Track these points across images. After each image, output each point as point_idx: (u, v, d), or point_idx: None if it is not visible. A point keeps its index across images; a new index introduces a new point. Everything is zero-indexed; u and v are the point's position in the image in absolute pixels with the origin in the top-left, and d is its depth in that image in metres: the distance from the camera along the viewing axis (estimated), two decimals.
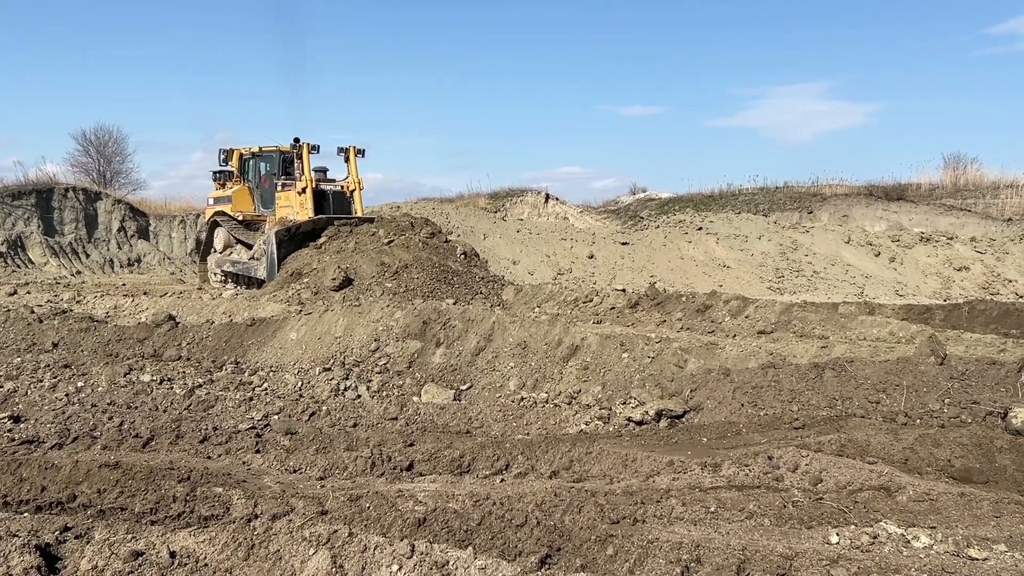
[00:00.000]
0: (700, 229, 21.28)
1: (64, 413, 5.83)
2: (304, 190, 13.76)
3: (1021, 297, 16.81)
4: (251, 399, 6.59)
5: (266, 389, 6.97)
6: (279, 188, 14.50)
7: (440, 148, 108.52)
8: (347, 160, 14.65)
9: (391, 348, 7.79)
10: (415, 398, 6.94)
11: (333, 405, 6.58)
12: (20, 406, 6.05)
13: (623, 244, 20.00)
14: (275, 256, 12.83)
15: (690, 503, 3.89)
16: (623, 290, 11.06)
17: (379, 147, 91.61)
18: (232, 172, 15.84)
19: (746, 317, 8.65)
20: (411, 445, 5.29)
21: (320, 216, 13.62)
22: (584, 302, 10.42)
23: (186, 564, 3.05)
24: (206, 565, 3.04)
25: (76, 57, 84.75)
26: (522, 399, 6.84)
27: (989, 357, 6.42)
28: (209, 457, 5.02)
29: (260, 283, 13.45)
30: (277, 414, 6.28)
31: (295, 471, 4.76)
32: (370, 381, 7.21)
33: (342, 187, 14.68)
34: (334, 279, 11.71)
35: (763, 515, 3.76)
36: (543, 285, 12.39)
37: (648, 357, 7.05)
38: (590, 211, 30.53)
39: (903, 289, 17.86)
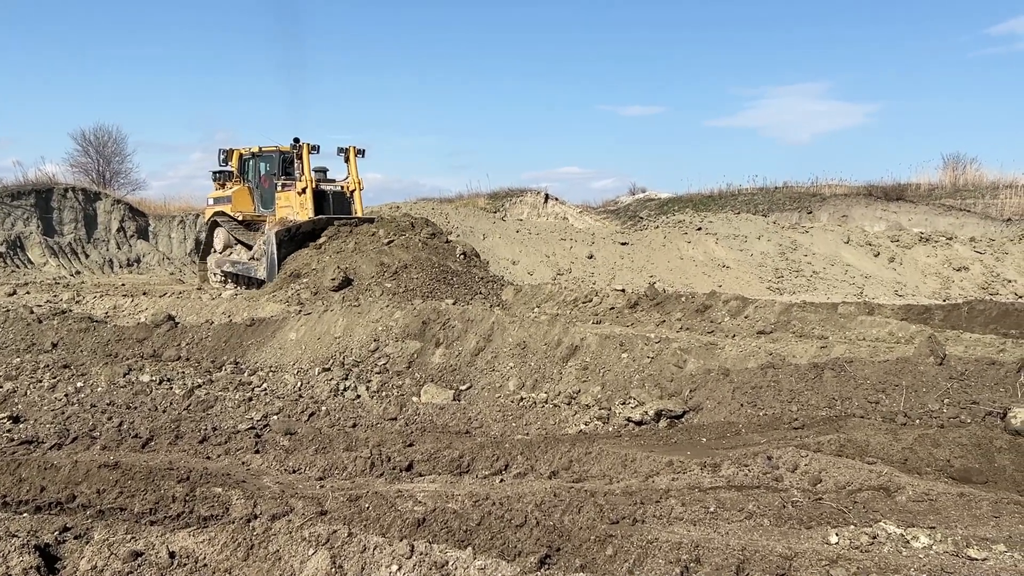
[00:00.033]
0: (699, 229, 21.28)
1: (63, 413, 5.83)
2: (304, 190, 13.76)
3: (1020, 297, 16.82)
4: (250, 399, 6.59)
5: (265, 389, 6.97)
6: (279, 188, 14.50)
7: (440, 148, 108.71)
8: (347, 160, 14.65)
9: (390, 348, 7.78)
10: (414, 398, 6.94)
11: (332, 405, 6.58)
12: (19, 406, 6.05)
13: (622, 244, 20.02)
14: (275, 256, 12.82)
15: (689, 503, 3.89)
16: (622, 290, 11.07)
17: (379, 147, 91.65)
18: (232, 172, 15.84)
19: (745, 317, 8.65)
20: (410, 445, 5.29)
21: (320, 216, 13.62)
22: (583, 302, 10.42)
23: (185, 564, 3.05)
24: (205, 565, 3.05)
25: (76, 57, 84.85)
26: (521, 399, 6.84)
27: (988, 357, 6.42)
28: (208, 457, 5.02)
29: (260, 283, 13.44)
30: (276, 414, 6.28)
31: (294, 471, 4.76)
32: (369, 381, 7.21)
33: (342, 187, 14.68)
34: (333, 279, 11.71)
35: (762, 515, 3.76)
36: (542, 285, 12.39)
37: (647, 357, 7.05)
38: (589, 211, 30.54)
39: (902, 289, 17.87)
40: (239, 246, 15.08)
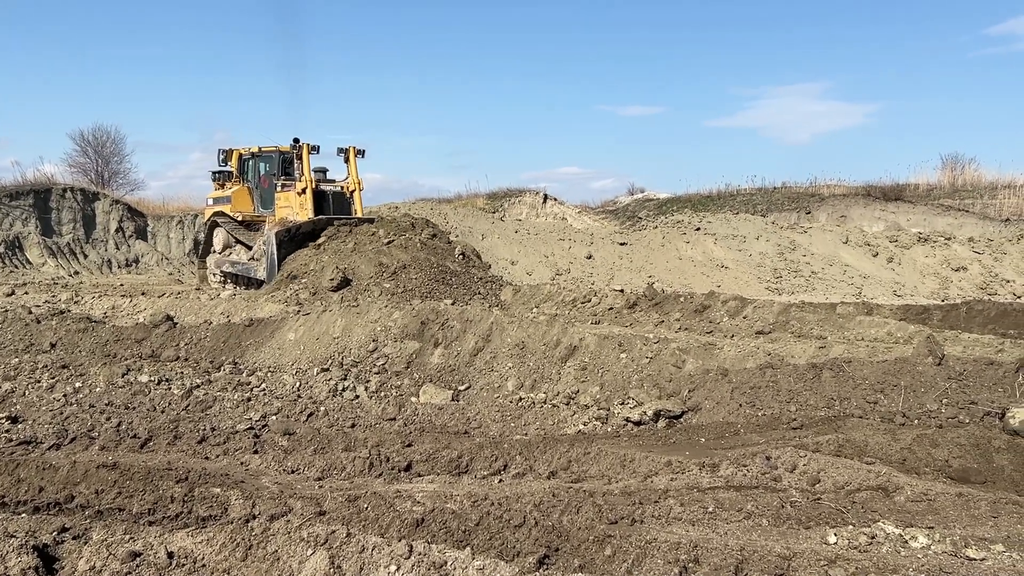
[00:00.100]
0: (698, 229, 21.30)
1: (62, 414, 5.82)
2: (304, 191, 13.75)
3: (1019, 297, 16.83)
4: (249, 400, 6.59)
5: (264, 390, 6.97)
6: (279, 188, 14.49)
7: (439, 148, 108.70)
8: (347, 160, 14.65)
9: (389, 348, 7.78)
10: (413, 398, 6.94)
11: (331, 405, 6.58)
12: (18, 407, 6.05)
13: (621, 244, 20.02)
14: (275, 257, 12.81)
15: (688, 503, 3.89)
16: (621, 290, 11.07)
17: (378, 147, 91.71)
18: (231, 172, 15.83)
19: (744, 317, 8.65)
20: (409, 446, 5.29)
21: (320, 217, 13.61)
22: (582, 302, 10.42)
23: (184, 565, 3.05)
24: (204, 566, 3.04)
25: (75, 57, 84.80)
26: (520, 399, 6.84)
27: (987, 357, 6.42)
28: (207, 457, 5.01)
29: (259, 284, 13.43)
30: (275, 415, 6.27)
31: (293, 471, 4.76)
32: (368, 382, 7.21)
33: (342, 187, 14.68)
34: (332, 279, 11.71)
35: (761, 515, 3.76)
36: (541, 285, 12.39)
37: (646, 357, 7.05)
38: (588, 211, 30.55)
39: (901, 289, 17.88)
40: (239, 246, 15.07)
